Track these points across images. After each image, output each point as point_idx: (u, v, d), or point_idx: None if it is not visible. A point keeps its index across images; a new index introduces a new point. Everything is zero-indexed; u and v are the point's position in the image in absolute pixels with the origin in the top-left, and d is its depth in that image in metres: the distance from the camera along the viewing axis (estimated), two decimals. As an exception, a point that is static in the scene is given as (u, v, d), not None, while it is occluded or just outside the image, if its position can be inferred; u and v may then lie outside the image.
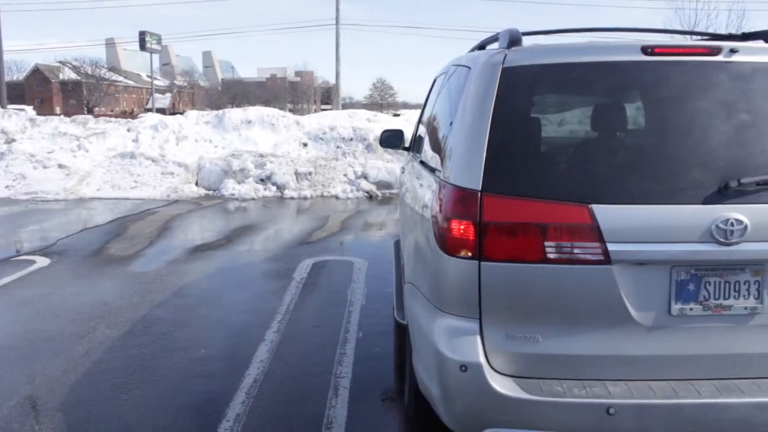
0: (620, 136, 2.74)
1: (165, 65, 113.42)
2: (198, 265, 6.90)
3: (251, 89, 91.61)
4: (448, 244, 2.41)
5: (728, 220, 2.27)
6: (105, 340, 4.62)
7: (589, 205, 2.29)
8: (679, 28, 22.88)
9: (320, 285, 6.10)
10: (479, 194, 2.35)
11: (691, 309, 2.34)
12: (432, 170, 2.99)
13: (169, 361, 4.25)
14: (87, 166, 13.19)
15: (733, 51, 2.43)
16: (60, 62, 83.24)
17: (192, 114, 16.75)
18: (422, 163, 3.49)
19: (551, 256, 2.31)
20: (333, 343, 4.54)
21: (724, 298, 2.35)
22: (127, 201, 11.59)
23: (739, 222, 2.27)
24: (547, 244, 2.30)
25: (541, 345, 2.37)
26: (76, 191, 12.12)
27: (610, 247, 2.28)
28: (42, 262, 6.98)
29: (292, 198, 12.11)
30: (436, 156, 2.99)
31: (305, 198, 12.13)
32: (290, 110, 48.14)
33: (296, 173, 12.70)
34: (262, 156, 13.15)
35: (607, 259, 2.29)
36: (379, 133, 6.02)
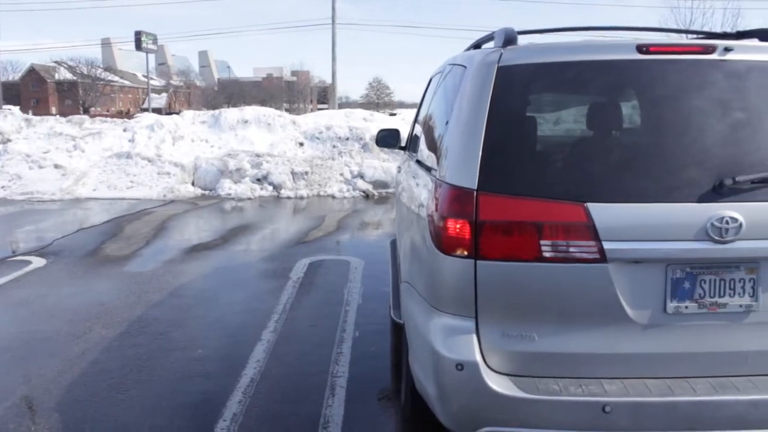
0: (615, 135, 2.75)
1: (161, 65, 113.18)
2: (194, 265, 6.89)
3: (247, 89, 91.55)
4: (444, 243, 2.41)
5: (723, 218, 2.27)
6: (101, 341, 4.61)
7: (585, 204, 2.30)
8: (674, 26, 22.92)
9: (317, 284, 6.10)
10: (475, 193, 2.35)
11: (686, 307, 2.34)
12: (428, 169, 3.00)
13: (166, 361, 4.25)
14: (83, 166, 13.17)
15: (727, 49, 2.44)
16: (56, 62, 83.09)
17: (188, 114, 16.74)
18: (418, 162, 3.49)
19: (547, 254, 2.31)
20: (330, 343, 4.54)
21: (719, 296, 2.35)
22: (123, 201, 11.57)
23: (734, 220, 2.27)
24: (542, 242, 2.31)
25: (537, 343, 2.37)
26: (72, 191, 12.10)
27: (606, 245, 2.29)
28: (38, 262, 6.97)
29: (289, 197, 12.10)
30: (432, 155, 2.99)
31: (302, 197, 12.13)
32: (286, 110, 48.05)
33: (293, 173, 12.70)
34: (258, 156, 13.14)
35: (602, 257, 2.29)
36: (375, 132, 6.01)
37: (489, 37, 2.99)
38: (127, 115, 46.31)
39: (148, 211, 10.45)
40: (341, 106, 45.81)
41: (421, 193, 2.94)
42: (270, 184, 12.45)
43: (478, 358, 2.35)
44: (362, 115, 17.86)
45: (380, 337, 4.62)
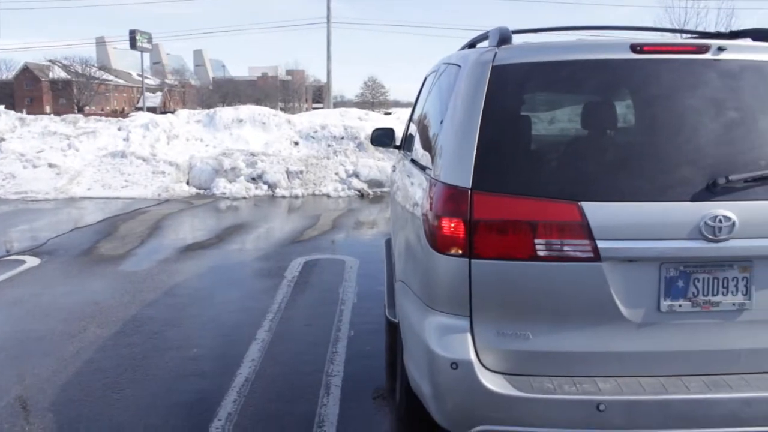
0: (610, 134, 2.76)
1: (156, 64, 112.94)
2: (189, 264, 6.89)
3: (242, 88, 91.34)
4: (439, 242, 2.42)
5: (716, 216, 2.28)
6: (96, 340, 4.60)
7: (579, 203, 2.30)
8: (669, 26, 22.97)
9: (312, 284, 6.10)
10: (469, 192, 2.36)
11: (680, 305, 2.35)
12: (423, 168, 3.00)
13: (161, 360, 4.24)
14: (77, 165, 13.13)
15: (721, 49, 2.45)
16: (50, 61, 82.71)
17: (183, 113, 16.69)
18: (413, 161, 3.49)
19: (541, 253, 2.32)
20: (325, 342, 4.54)
21: (713, 295, 2.36)
22: (117, 200, 11.55)
23: (727, 219, 2.28)
24: (537, 241, 2.31)
25: (531, 342, 2.38)
26: (67, 190, 12.06)
27: (600, 244, 2.29)
28: (32, 261, 6.95)
29: (284, 197, 12.09)
30: (427, 154, 3.00)
31: (296, 197, 12.12)
32: (281, 109, 47.98)
33: (287, 172, 12.69)
34: (253, 155, 13.13)
35: (596, 256, 2.30)
36: (370, 131, 6.01)
37: (483, 37, 3.00)
38: (122, 114, 46.25)
39: (143, 211, 10.42)
40: (336, 105, 45.83)
41: (415, 192, 2.95)
42: (265, 183, 12.44)
43: (473, 356, 2.36)
44: (357, 115, 17.84)
45: (375, 336, 4.62)
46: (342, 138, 14.34)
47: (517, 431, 2.33)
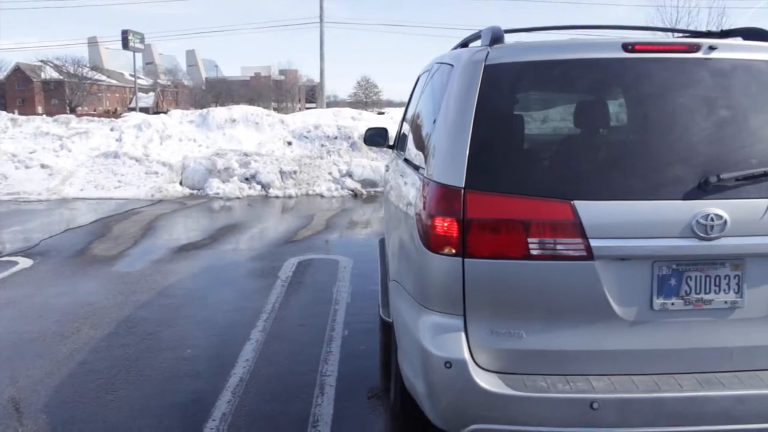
0: (602, 133, 2.77)
1: (148, 64, 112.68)
2: (183, 264, 6.87)
3: (235, 88, 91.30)
4: (432, 242, 2.42)
5: (708, 215, 2.29)
6: (89, 341, 4.59)
7: (572, 202, 2.31)
8: (660, 25, 23.05)
9: (306, 283, 6.09)
10: (462, 191, 2.36)
11: (672, 303, 2.36)
12: (416, 168, 3.00)
13: (155, 361, 4.24)
14: (70, 165, 13.08)
15: (712, 48, 2.46)
16: (42, 61, 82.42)
17: (176, 113, 16.67)
18: (406, 160, 3.50)
19: (534, 252, 2.32)
20: (319, 342, 4.54)
21: (705, 293, 2.37)
22: (110, 201, 11.51)
23: (719, 217, 2.29)
24: (530, 240, 2.32)
25: (525, 341, 2.38)
26: (59, 191, 12.01)
27: (593, 242, 2.30)
28: (25, 263, 6.92)
29: (277, 197, 12.08)
30: (420, 153, 3.00)
31: (290, 197, 12.10)
32: (274, 109, 47.92)
33: (281, 172, 12.67)
34: (246, 155, 13.11)
35: (589, 254, 2.31)
36: (363, 131, 6.01)
37: (476, 36, 3.00)
38: (114, 114, 46.13)
39: (136, 211, 10.39)
40: (329, 105, 45.79)
41: (409, 191, 2.95)
42: (258, 183, 12.42)
43: (467, 355, 2.36)
44: (350, 114, 17.83)
45: (369, 336, 4.62)
46: (335, 138, 14.34)
47: (511, 430, 2.34)
